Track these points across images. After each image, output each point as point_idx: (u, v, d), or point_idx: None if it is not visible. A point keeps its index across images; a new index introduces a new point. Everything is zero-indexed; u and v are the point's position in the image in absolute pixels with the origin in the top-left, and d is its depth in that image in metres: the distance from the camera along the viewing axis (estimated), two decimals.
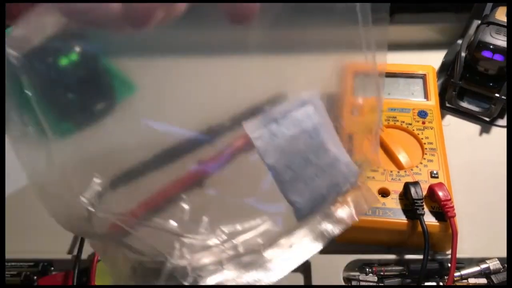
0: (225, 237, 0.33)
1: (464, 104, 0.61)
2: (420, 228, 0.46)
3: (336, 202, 0.35)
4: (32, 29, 0.53)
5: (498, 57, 0.58)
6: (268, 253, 0.33)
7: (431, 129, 0.55)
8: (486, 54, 0.58)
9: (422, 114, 0.56)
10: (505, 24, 0.59)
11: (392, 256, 0.48)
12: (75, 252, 0.49)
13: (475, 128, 0.62)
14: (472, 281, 0.47)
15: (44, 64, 0.57)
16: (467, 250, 0.48)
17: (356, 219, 0.35)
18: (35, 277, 0.48)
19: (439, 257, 0.48)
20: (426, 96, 0.58)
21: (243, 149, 0.49)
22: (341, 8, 0.36)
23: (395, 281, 0.47)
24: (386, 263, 0.48)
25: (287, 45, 0.72)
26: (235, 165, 0.42)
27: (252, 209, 0.35)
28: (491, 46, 0.58)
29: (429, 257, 0.45)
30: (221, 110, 0.62)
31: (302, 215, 0.32)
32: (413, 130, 0.55)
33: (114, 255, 0.38)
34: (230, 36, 0.73)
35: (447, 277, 0.46)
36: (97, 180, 0.40)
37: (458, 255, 0.45)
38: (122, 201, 0.49)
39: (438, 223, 0.47)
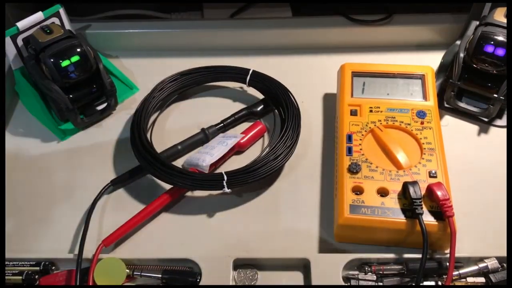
0: None
1: (463, 105, 0.62)
2: (418, 227, 0.46)
3: None
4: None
5: (499, 52, 0.57)
6: None
7: (430, 129, 0.55)
8: (487, 48, 0.58)
9: (421, 114, 0.56)
10: (503, 25, 0.59)
11: (391, 255, 0.48)
12: (76, 251, 0.49)
13: (473, 128, 0.62)
14: (470, 280, 0.47)
15: (46, 65, 0.58)
16: (466, 249, 0.49)
17: None
18: (37, 276, 0.48)
19: (438, 256, 0.48)
20: (424, 96, 0.58)
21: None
22: None
23: (394, 280, 0.47)
24: (385, 262, 0.48)
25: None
26: None
27: None
28: (492, 42, 0.58)
29: (427, 256, 0.45)
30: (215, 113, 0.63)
31: None
32: (412, 130, 0.55)
33: None
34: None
35: (445, 276, 0.46)
36: None
37: (457, 254, 0.45)
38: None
39: (436, 223, 0.47)
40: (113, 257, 0.49)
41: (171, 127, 0.64)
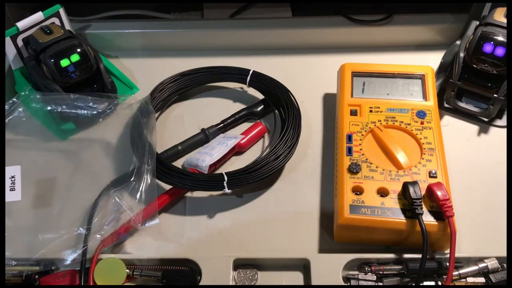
0: None
1: (463, 105, 0.62)
2: (418, 228, 0.46)
3: None
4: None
5: (498, 52, 0.57)
6: None
7: (430, 129, 0.55)
8: (487, 48, 0.58)
9: (421, 114, 0.56)
10: (503, 25, 0.59)
11: (391, 255, 0.48)
12: (76, 251, 0.49)
13: (473, 128, 0.62)
14: (470, 280, 0.47)
15: (46, 65, 0.58)
16: (466, 249, 0.49)
17: None
18: (36, 276, 0.48)
19: (438, 256, 0.48)
20: (424, 96, 0.58)
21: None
22: None
23: (394, 280, 0.47)
24: (385, 262, 0.48)
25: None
26: None
27: None
28: (492, 42, 0.58)
29: (427, 256, 0.45)
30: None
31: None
32: (412, 130, 0.55)
33: None
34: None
35: (445, 276, 0.46)
36: None
37: (457, 254, 0.45)
38: None
39: (436, 223, 0.47)
40: (113, 257, 0.49)
41: (171, 128, 0.64)
